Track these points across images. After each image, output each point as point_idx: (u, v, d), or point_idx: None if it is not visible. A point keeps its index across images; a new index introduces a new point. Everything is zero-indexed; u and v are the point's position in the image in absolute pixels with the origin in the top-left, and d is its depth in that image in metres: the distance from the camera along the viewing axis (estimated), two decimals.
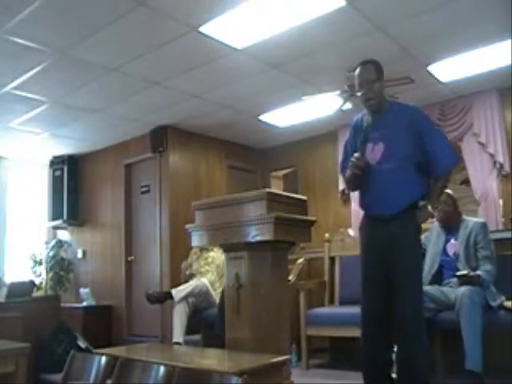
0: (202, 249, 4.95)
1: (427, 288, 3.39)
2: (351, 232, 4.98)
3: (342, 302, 4.62)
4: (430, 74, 4.49)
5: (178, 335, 4.42)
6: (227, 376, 1.89)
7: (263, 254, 2.59)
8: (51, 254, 6.57)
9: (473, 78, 4.60)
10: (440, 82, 4.69)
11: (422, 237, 3.05)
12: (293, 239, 2.71)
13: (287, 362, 2.33)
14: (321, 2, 3.29)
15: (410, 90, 4.51)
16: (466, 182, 5.16)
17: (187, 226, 2.82)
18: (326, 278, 4.84)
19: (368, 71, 2.74)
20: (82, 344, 4.10)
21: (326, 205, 6.04)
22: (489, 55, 4.11)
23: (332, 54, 4.07)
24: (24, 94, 4.56)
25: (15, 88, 4.43)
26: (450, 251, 3.64)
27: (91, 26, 3.50)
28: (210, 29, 3.57)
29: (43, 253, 6.59)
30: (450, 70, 4.43)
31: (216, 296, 4.51)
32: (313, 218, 2.81)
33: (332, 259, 4.91)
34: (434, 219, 3.68)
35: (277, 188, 6.63)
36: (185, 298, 4.50)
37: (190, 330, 4.54)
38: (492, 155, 4.85)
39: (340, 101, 4.60)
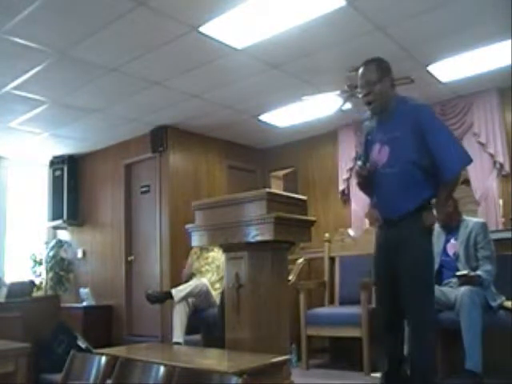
0: (203, 248, 4.95)
1: None
2: (351, 232, 4.98)
3: (342, 302, 4.62)
4: (430, 74, 4.49)
5: (177, 335, 4.41)
6: (227, 376, 1.89)
7: (263, 253, 2.58)
8: (51, 253, 6.57)
9: (473, 78, 4.60)
10: (440, 81, 4.69)
11: None
12: (293, 239, 2.71)
13: (287, 361, 2.33)
14: (321, 2, 3.29)
15: (410, 89, 4.49)
16: (466, 182, 5.16)
17: (187, 226, 2.81)
18: (326, 278, 4.84)
19: (369, 72, 2.66)
20: (81, 344, 4.10)
21: (326, 205, 6.04)
22: (489, 55, 4.11)
23: (332, 54, 4.07)
24: (24, 93, 4.57)
25: (15, 88, 4.43)
26: (450, 251, 3.64)
27: (91, 26, 3.50)
28: (210, 29, 3.57)
29: (43, 253, 6.59)
30: (450, 70, 4.43)
31: (216, 296, 4.51)
32: (313, 218, 2.81)
33: (332, 259, 4.90)
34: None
35: (277, 188, 6.63)
36: (185, 297, 4.49)
37: (189, 329, 4.54)
38: (492, 155, 4.86)
39: (340, 101, 4.60)
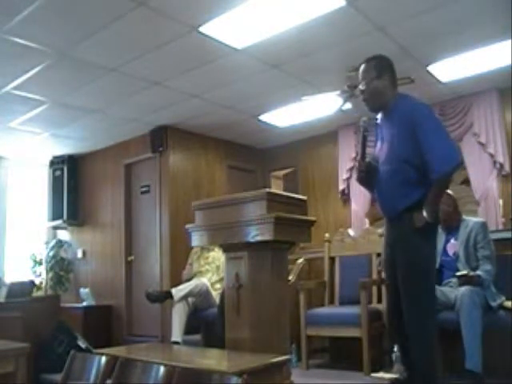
0: (203, 248, 4.95)
1: None
2: (351, 232, 4.99)
3: (342, 302, 4.62)
4: (430, 74, 4.49)
5: (176, 334, 4.42)
6: (227, 376, 1.89)
7: (263, 253, 2.58)
8: (51, 253, 6.57)
9: (473, 78, 4.60)
10: (440, 81, 4.69)
11: None
12: (293, 239, 2.71)
13: (287, 362, 2.33)
14: (321, 2, 3.29)
15: (410, 89, 4.48)
16: (466, 181, 5.17)
17: (187, 225, 2.81)
18: (326, 278, 4.84)
19: (367, 69, 2.68)
20: (82, 344, 4.10)
21: (326, 205, 6.04)
22: (489, 55, 4.11)
23: (332, 54, 4.07)
24: (24, 93, 4.56)
25: (15, 88, 4.43)
26: (450, 251, 3.64)
27: (91, 26, 3.50)
28: (210, 29, 3.57)
29: (43, 253, 6.58)
30: (450, 70, 4.43)
31: (216, 296, 4.51)
32: (313, 218, 2.81)
33: (332, 259, 4.91)
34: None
35: (277, 188, 6.63)
36: (184, 297, 4.50)
37: (189, 329, 4.54)
38: (492, 155, 4.85)
39: (340, 101, 4.60)
